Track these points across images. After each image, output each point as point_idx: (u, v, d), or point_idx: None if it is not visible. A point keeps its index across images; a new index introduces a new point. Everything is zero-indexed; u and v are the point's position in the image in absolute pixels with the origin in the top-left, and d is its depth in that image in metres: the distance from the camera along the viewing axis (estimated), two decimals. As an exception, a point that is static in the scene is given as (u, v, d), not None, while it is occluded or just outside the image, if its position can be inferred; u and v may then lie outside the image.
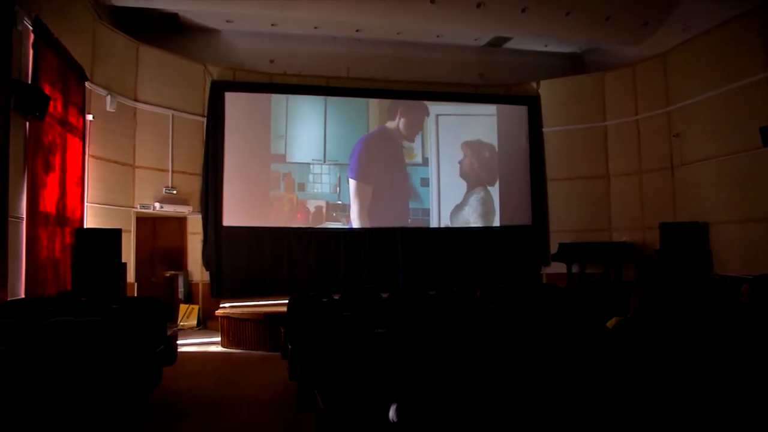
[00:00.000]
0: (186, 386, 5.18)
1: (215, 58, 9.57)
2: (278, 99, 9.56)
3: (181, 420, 4.24)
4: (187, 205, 8.91)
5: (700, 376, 2.25)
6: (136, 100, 8.34)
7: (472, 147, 10.31)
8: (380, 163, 9.89)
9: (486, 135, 10.38)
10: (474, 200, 10.22)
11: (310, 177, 9.55)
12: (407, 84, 10.31)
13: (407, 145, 10.14)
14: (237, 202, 9.14)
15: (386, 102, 10.08)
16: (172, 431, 4.03)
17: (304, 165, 9.53)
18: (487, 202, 10.25)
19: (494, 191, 10.27)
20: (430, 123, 10.25)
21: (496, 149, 10.33)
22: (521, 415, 2.00)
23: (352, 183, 9.65)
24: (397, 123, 10.02)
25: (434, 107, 10.28)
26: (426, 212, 10.04)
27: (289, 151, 9.50)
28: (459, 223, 10.08)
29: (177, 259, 9.07)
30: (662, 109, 9.15)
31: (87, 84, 7.27)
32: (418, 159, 10.17)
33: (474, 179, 10.23)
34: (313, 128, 9.67)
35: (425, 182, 10.14)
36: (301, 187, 9.49)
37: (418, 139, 10.14)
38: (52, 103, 5.96)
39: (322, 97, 9.75)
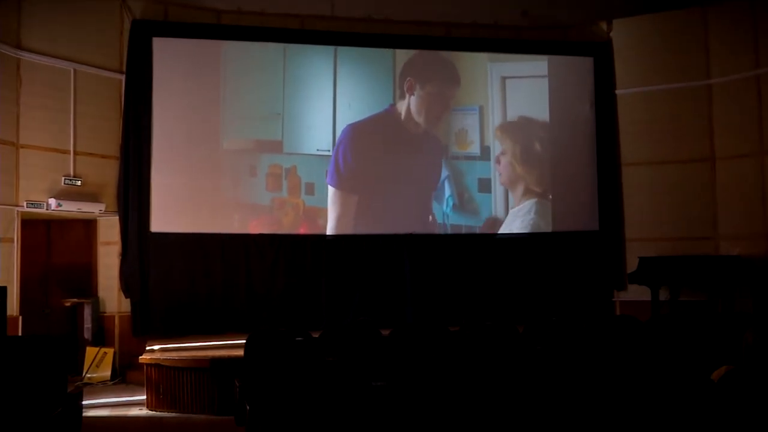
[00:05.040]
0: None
1: (138, -12, 9.59)
2: (239, 49, 9.56)
3: None
4: (98, 202, 8.91)
5: None
6: (19, 47, 8.30)
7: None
8: (382, 164, 9.78)
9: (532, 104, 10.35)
10: (525, 213, 10.17)
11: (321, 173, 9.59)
12: (417, 27, 10.29)
13: (457, 126, 9.94)
14: (172, 197, 9.16)
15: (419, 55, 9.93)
16: None
17: (313, 157, 9.60)
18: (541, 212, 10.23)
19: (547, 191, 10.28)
20: (493, 90, 10.10)
21: (548, 123, 10.33)
22: None
23: (330, 192, 9.65)
24: (407, 101, 9.97)
25: (497, 67, 10.11)
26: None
27: (288, 135, 9.54)
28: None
29: (82, 280, 9.06)
30: (796, 59, 9.17)
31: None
32: (475, 149, 10.01)
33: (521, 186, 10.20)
34: (318, 100, 9.70)
35: (485, 185, 10.02)
36: (309, 188, 9.54)
37: (474, 118, 9.98)
38: None
39: (329, 50, 9.70)
